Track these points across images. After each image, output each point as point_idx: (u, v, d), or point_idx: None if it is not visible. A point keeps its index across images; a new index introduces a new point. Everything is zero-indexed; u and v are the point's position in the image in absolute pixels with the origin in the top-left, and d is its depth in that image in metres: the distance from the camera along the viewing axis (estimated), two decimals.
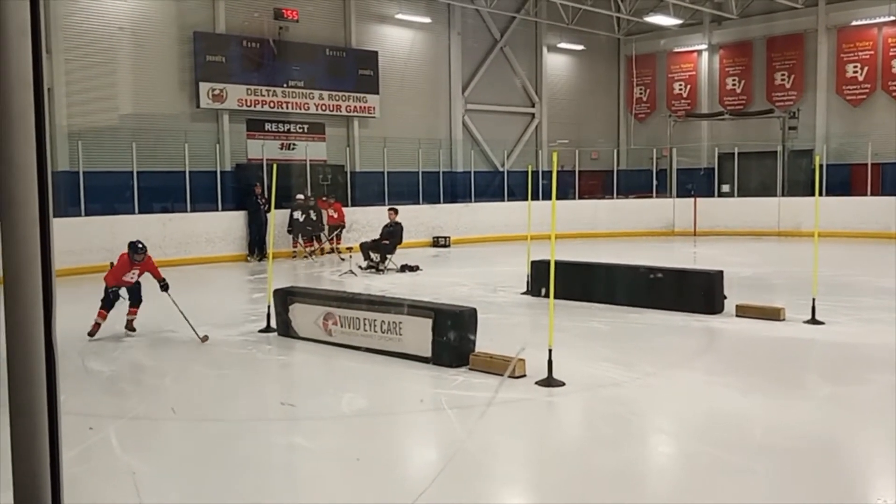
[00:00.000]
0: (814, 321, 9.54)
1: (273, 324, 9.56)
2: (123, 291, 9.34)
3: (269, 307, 9.66)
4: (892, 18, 23.42)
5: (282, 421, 6.37)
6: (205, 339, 8.98)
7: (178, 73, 19.23)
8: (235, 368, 8.26)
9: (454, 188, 24.65)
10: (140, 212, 17.68)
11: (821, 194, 11.05)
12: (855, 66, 24.62)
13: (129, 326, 9.42)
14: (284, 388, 7.89)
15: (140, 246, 9.25)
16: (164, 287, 9.23)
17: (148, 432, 6.09)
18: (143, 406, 6.76)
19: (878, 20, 23.78)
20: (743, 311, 10.13)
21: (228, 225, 18.68)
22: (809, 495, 4.70)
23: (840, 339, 8.88)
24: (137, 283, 9.40)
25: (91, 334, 9.11)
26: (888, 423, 6.08)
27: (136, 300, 9.44)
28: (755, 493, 4.78)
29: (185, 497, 4.77)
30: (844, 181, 23.65)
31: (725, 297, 10.55)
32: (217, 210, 19.02)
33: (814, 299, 9.69)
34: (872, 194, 22.76)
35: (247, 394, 7.26)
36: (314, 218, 19.12)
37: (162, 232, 17.34)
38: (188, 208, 18.49)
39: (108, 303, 9.23)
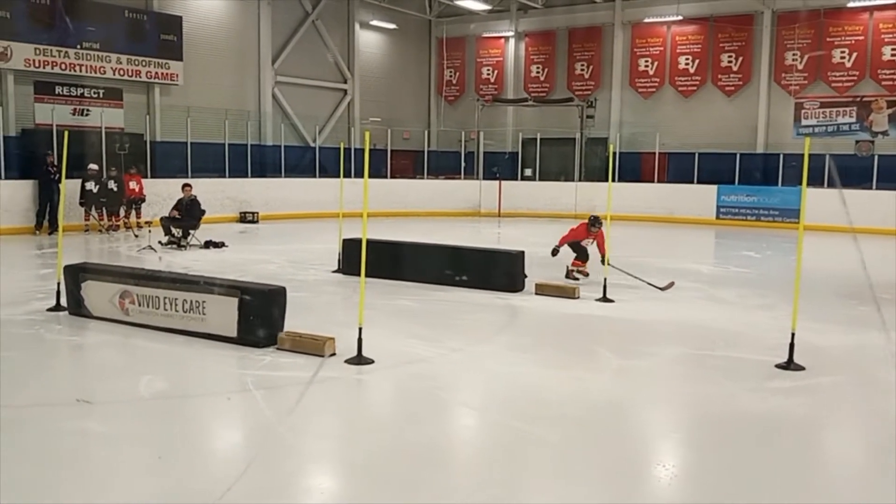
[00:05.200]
0: (605, 299, 10.22)
1: (64, 302, 8.93)
2: None
3: (58, 284, 9.01)
4: (680, 18, 25.34)
5: (73, 406, 5.97)
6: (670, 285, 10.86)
7: None
8: (20, 350, 7.61)
9: (263, 162, 24.01)
10: None
11: (613, 180, 11.81)
12: (646, 61, 26.46)
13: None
14: (76, 370, 7.39)
15: (598, 220, 11.43)
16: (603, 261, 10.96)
17: None
18: None
19: (667, 18, 25.65)
20: (541, 290, 10.65)
21: (12, 195, 17.16)
22: (599, 462, 5.05)
23: (627, 316, 9.55)
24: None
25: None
26: (669, 393, 6.65)
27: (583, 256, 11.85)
28: (551, 461, 5.06)
29: None
30: (635, 168, 25.44)
31: (526, 276, 11.04)
32: (0, 178, 17.45)
33: (605, 279, 10.38)
34: (659, 181, 24.66)
35: (33, 377, 6.74)
36: (114, 189, 17.97)
37: None
38: None
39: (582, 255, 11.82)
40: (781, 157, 23.36)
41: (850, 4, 22.90)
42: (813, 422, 6.00)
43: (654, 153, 24.84)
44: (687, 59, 25.73)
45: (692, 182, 23.89)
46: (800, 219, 7.55)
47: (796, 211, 21.01)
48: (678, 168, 24.74)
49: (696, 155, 24.08)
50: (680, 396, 6.56)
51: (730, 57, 25.04)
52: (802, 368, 6.99)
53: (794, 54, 23.90)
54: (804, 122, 23.72)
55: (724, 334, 8.66)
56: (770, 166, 23.83)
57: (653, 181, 24.69)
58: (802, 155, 7.24)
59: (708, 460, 5.15)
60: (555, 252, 11.74)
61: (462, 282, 11.01)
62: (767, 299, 10.88)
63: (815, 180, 20.39)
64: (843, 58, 23.25)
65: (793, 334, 7.06)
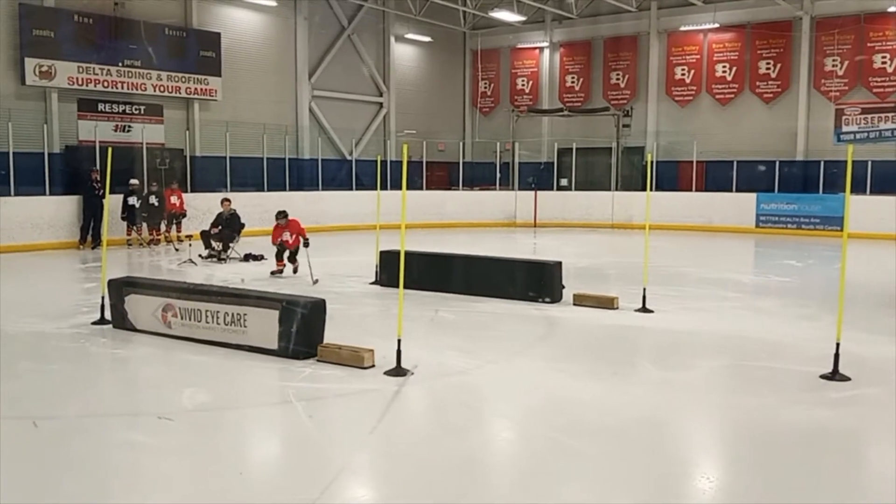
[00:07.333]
0: (644, 310, 10.13)
1: (108, 315, 9.09)
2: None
3: (102, 298, 9.18)
4: (717, 25, 25.14)
5: (119, 417, 6.08)
6: (315, 282, 11.93)
7: (1, 49, 17.86)
8: (67, 363, 7.79)
9: (301, 176, 24.25)
10: None
11: (651, 189, 11.74)
12: (683, 69, 26.27)
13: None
14: (121, 383, 7.52)
15: (282, 212, 13.36)
16: (306, 244, 12.75)
17: None
18: None
19: (704, 26, 25.46)
20: (580, 300, 10.61)
21: (56, 210, 17.56)
22: (639, 474, 5.00)
23: (668, 327, 9.46)
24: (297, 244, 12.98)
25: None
26: (711, 406, 6.57)
27: (292, 258, 13.22)
28: (589, 473, 5.03)
29: (12, 500, 4.46)
30: (672, 177, 25.24)
31: (563, 287, 11.00)
32: (44, 194, 17.85)
33: (644, 289, 10.30)
34: (697, 190, 24.42)
35: (80, 389, 6.88)
36: (155, 204, 18.28)
37: None
38: (11, 192, 17.24)
39: (279, 256, 13.28)
40: (822, 164, 23.00)
41: (892, 9, 22.52)
42: (860, 434, 5.89)
43: (692, 162, 24.62)
44: (724, 66, 25.50)
45: (731, 190, 23.64)
46: (843, 227, 7.44)
47: (839, 219, 20.76)
48: (716, 176, 24.50)
49: (735, 163, 23.82)
50: (722, 408, 6.48)
51: (768, 64, 24.76)
52: (848, 379, 6.87)
53: (833, 60, 23.57)
54: (845, 129, 23.32)
55: (766, 345, 8.55)
56: (810, 174, 23.48)
57: (690, 190, 24.46)
58: (844, 162, 7.13)
59: (752, 473, 5.07)
60: (279, 251, 13.28)
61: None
62: (810, 309, 10.72)
63: (858, 188, 20.14)
64: (884, 63, 22.87)
65: (837, 344, 6.95)
